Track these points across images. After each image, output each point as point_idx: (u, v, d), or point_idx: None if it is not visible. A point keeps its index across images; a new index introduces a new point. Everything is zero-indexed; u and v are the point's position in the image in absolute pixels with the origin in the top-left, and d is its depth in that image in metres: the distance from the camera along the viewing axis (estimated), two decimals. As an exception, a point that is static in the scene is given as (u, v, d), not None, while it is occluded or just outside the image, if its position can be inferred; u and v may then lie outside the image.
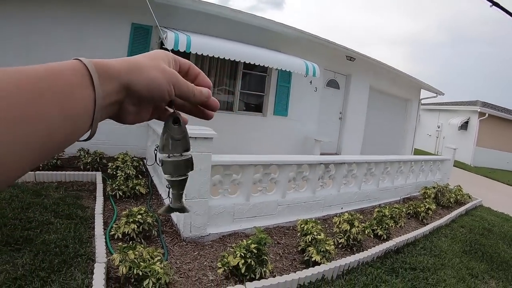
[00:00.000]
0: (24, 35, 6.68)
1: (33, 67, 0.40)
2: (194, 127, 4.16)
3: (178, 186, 0.63)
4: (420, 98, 16.15)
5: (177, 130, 0.58)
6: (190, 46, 6.73)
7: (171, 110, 0.59)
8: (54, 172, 5.95)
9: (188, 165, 0.61)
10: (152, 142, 7.39)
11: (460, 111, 22.27)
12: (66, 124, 0.42)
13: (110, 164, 6.35)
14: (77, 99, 0.43)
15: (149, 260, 3.21)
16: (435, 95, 15.93)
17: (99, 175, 6.12)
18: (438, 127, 23.36)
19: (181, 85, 0.55)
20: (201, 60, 8.74)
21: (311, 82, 10.84)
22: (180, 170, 0.60)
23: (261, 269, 3.51)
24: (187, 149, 0.60)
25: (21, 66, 0.40)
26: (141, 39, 7.78)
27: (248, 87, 9.91)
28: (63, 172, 6.03)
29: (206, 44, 7.15)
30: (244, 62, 7.84)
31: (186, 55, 7.87)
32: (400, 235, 5.49)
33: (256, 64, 7.92)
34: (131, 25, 7.64)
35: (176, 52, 6.77)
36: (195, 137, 4.04)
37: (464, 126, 21.66)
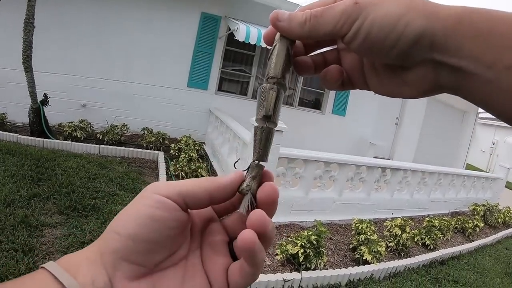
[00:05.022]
0: (96, 12, 7.15)
1: None
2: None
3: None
4: (478, 111, 15.60)
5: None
6: (260, 40, 6.92)
7: None
8: (118, 147, 6.31)
9: None
10: (212, 128, 7.70)
11: (518, 129, 21.32)
12: None
13: (172, 145, 6.69)
14: None
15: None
16: (494, 109, 15.26)
17: (161, 155, 6.43)
18: (493, 144, 22.49)
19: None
20: (265, 53, 8.92)
21: (371, 85, 10.78)
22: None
23: (317, 260, 3.72)
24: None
25: None
26: (209, 28, 8.07)
27: (309, 84, 10.04)
28: (126, 148, 6.37)
29: (276, 39, 7.28)
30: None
31: (253, 47, 8.12)
32: (446, 247, 5.57)
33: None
34: (200, 14, 7.94)
35: (246, 44, 7.09)
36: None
37: (521, 146, 20.76)
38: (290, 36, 0.42)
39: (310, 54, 0.47)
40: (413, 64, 0.37)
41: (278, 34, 0.43)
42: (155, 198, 0.37)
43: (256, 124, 0.43)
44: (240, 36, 6.79)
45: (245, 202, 0.41)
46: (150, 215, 0.36)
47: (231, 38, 7.95)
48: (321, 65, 0.46)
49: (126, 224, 0.36)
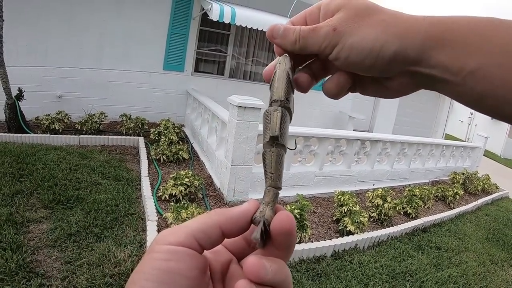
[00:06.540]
0: (67, 3, 6.93)
1: None
2: (244, 97, 4.36)
3: None
4: (456, 82, 15.74)
5: None
6: (235, 18, 6.84)
7: None
8: (97, 136, 6.27)
9: None
10: (191, 110, 7.64)
11: (495, 99, 21.53)
12: None
13: (152, 129, 6.64)
14: None
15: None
16: (472, 80, 15.44)
17: (141, 140, 6.42)
18: (471, 114, 22.78)
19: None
20: (241, 32, 8.89)
21: (348, 58, 10.79)
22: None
23: (301, 234, 3.77)
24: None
25: None
26: (183, 9, 7.93)
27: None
28: (106, 136, 6.35)
29: (250, 17, 7.22)
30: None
31: (228, 26, 8.02)
32: (428, 216, 5.68)
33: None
34: (172, -4, 7.79)
35: (221, 23, 6.98)
36: (244, 107, 4.25)
37: (498, 115, 21.04)
38: (285, 50, 0.45)
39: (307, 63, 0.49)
40: (392, 76, 0.41)
41: (276, 59, 0.45)
42: (166, 249, 0.34)
43: (264, 150, 0.41)
44: (213, 16, 6.68)
45: (258, 229, 0.37)
46: (165, 269, 0.33)
47: (205, 18, 7.80)
48: (316, 71, 0.48)
49: (143, 284, 0.32)
